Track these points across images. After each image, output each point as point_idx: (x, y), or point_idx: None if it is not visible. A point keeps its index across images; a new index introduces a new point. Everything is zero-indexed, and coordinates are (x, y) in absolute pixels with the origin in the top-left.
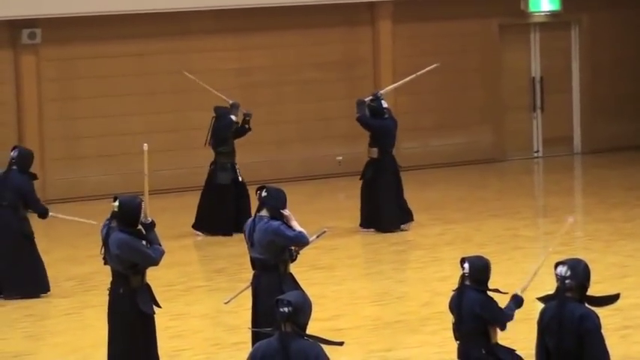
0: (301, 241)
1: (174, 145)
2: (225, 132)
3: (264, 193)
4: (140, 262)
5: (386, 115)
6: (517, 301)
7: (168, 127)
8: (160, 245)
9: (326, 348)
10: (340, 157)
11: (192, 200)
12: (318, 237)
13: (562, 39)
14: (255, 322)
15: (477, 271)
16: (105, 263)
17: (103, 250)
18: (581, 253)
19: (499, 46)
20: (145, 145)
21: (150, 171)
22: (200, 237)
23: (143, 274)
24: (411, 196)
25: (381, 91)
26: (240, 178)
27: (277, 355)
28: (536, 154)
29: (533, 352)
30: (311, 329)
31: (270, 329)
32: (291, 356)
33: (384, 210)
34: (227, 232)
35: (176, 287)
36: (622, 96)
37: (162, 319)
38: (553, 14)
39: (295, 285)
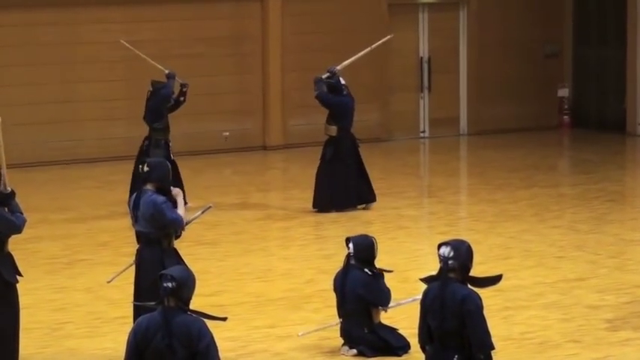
0: (176, 226)
1: (60, 118)
2: (162, 107)
3: (145, 168)
4: (3, 229)
5: (344, 92)
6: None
7: (55, 99)
8: (22, 214)
9: (209, 323)
10: (227, 133)
11: (79, 172)
12: (203, 212)
13: (450, 20)
14: (138, 296)
15: (362, 251)
16: None
17: None
18: (464, 234)
19: (388, 26)
20: None
21: (37, 142)
22: None
23: (4, 243)
24: (296, 173)
25: (337, 67)
26: (172, 156)
27: (160, 330)
28: (422, 135)
29: (416, 331)
30: (194, 305)
31: (153, 304)
32: (174, 331)
33: (342, 188)
34: None
35: (60, 260)
36: (508, 78)
37: (45, 291)
38: None
39: (178, 260)
